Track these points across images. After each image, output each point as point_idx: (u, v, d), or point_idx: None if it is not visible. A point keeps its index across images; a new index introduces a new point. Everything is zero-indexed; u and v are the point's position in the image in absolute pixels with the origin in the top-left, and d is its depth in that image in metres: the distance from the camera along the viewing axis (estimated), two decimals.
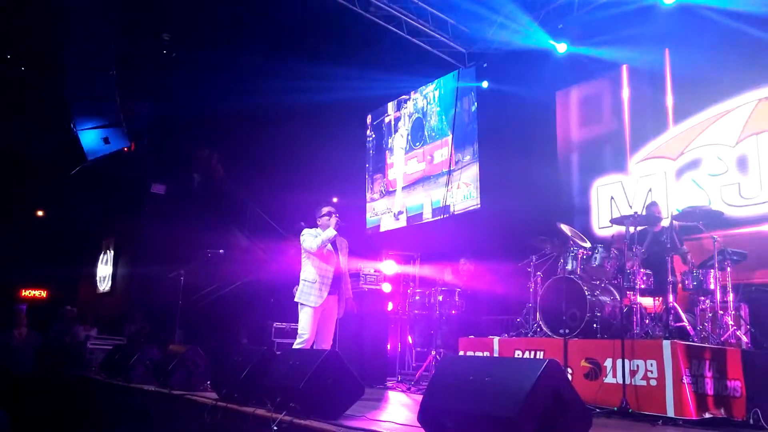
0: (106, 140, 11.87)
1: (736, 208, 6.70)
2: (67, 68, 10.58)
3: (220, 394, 4.56)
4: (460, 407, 2.71)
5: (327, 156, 12.06)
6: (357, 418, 3.67)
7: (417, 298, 7.86)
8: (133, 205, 14.01)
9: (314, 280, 5.42)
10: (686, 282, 5.38)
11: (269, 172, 13.19)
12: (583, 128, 8.78)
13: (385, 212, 11.96)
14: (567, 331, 5.14)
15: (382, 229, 11.88)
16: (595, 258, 5.66)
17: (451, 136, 10.58)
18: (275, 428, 3.48)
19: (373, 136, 12.61)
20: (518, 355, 5.54)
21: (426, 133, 11.24)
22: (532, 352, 5.45)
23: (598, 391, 4.68)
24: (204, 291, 11.61)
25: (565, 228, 6.19)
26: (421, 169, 11.22)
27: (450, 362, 3.25)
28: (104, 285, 15.56)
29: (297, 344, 5.33)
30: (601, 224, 8.03)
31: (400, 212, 11.52)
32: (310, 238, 5.45)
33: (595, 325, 5.23)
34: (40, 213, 16.71)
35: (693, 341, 4.89)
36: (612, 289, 5.58)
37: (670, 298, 5.19)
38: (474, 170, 10.02)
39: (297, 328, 5.44)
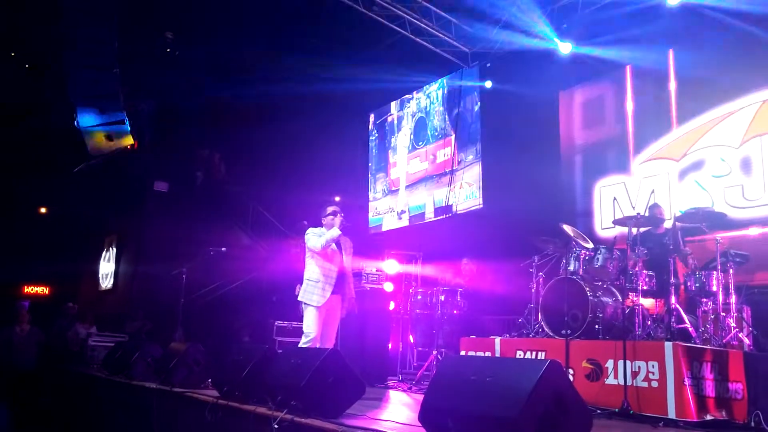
0: (109, 137, 11.91)
1: (739, 210, 6.68)
2: (71, 66, 10.61)
3: (221, 391, 4.56)
4: (461, 407, 2.71)
5: (329, 155, 12.07)
6: (358, 417, 3.67)
7: (419, 297, 7.87)
8: (135, 202, 14.04)
9: (318, 279, 5.42)
10: (688, 284, 5.37)
11: (272, 171, 13.22)
12: (586, 128, 8.76)
13: (387, 211, 11.95)
14: (569, 331, 5.12)
15: (384, 228, 11.88)
16: (598, 259, 5.64)
17: (453, 135, 10.57)
18: (276, 426, 3.48)
19: (376, 135, 12.61)
20: (520, 355, 5.52)
21: (429, 132, 11.23)
22: (534, 353, 5.44)
23: (599, 392, 4.67)
24: (206, 289, 11.64)
25: (567, 228, 6.17)
26: (424, 169, 11.21)
27: (451, 362, 3.25)
28: (106, 282, 15.57)
29: (303, 343, 5.34)
30: (604, 225, 8.02)
31: (403, 211, 11.52)
32: (315, 238, 5.45)
33: (596, 326, 5.22)
34: (43, 210, 16.76)
35: (695, 343, 4.87)
36: (614, 290, 5.56)
37: (672, 299, 5.17)
38: (476, 170, 10.01)
39: (298, 327, 5.45)
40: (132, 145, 13.13)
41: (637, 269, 5.26)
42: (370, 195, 12.44)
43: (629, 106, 8.11)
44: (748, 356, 4.82)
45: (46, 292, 16.90)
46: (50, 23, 10.53)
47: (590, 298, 5.29)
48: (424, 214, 11.01)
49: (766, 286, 5.97)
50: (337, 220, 5.48)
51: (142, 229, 13.77)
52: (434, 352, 7.18)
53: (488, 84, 10.12)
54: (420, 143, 11.42)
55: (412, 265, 9.76)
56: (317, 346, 5.27)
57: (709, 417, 4.30)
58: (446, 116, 10.88)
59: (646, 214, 5.73)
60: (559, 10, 8.86)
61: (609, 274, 5.62)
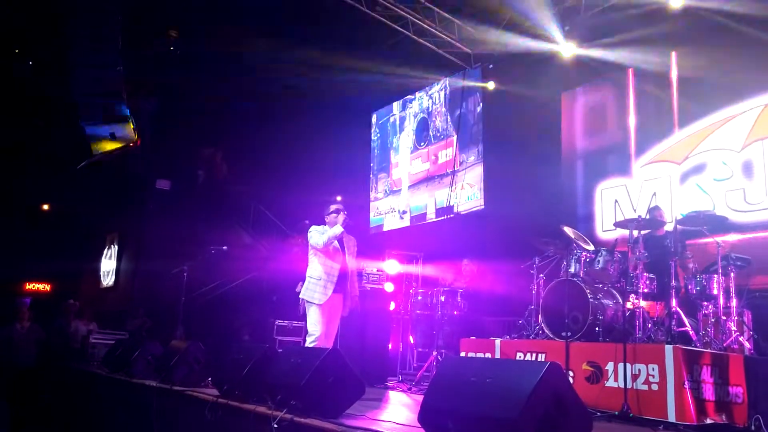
0: (112, 136, 11.93)
1: (740, 214, 6.68)
2: (74, 64, 10.63)
3: (221, 390, 4.57)
4: (460, 408, 2.72)
5: (331, 154, 12.07)
6: (357, 417, 3.67)
7: (419, 298, 7.87)
8: (137, 200, 14.07)
9: (320, 277, 5.42)
10: (689, 287, 5.37)
11: (273, 170, 13.23)
12: (588, 130, 8.76)
13: (389, 211, 11.96)
14: (569, 333, 5.13)
15: (385, 229, 11.88)
16: (598, 261, 5.64)
17: (455, 136, 10.57)
18: (276, 426, 3.48)
19: (378, 135, 12.61)
20: (520, 357, 5.53)
21: (431, 133, 11.24)
22: (534, 355, 5.44)
23: (599, 394, 4.67)
24: (207, 287, 11.65)
25: (568, 230, 6.17)
26: (425, 170, 11.21)
27: (451, 363, 3.25)
28: (108, 280, 15.61)
29: (309, 343, 5.35)
30: (605, 227, 8.01)
31: (405, 212, 11.52)
32: (317, 235, 5.46)
33: (597, 329, 5.22)
34: (45, 207, 16.80)
35: (695, 346, 4.87)
36: (615, 292, 5.56)
37: (673, 302, 5.16)
38: (478, 171, 10.02)
39: (298, 326, 5.46)
40: (134, 144, 13.15)
41: (637, 272, 5.26)
42: (372, 195, 12.45)
43: (631, 108, 8.11)
44: (749, 360, 4.82)
45: (48, 290, 16.95)
46: (54, 21, 10.54)
47: (591, 300, 5.29)
48: (425, 214, 11.01)
49: (766, 290, 5.96)
50: (340, 217, 5.49)
51: (143, 227, 13.81)
52: (434, 353, 7.18)
53: (491, 85, 10.12)
54: (422, 144, 11.42)
55: (412, 266, 9.77)
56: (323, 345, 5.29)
57: (709, 421, 4.30)
58: (448, 117, 10.88)
59: (647, 216, 5.72)
60: (562, 13, 8.85)
61: (610, 277, 5.62)
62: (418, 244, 10.25)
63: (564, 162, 8.89)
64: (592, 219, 8.27)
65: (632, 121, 8.07)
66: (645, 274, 5.31)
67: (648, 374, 4.46)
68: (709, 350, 4.79)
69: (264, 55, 10.90)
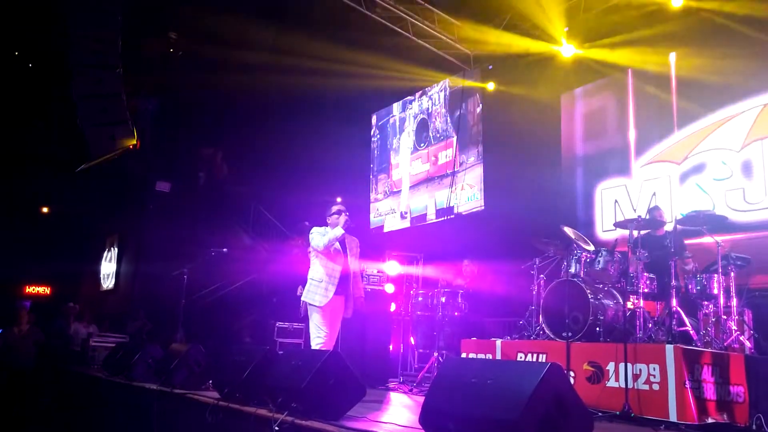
0: (112, 137, 11.89)
1: (740, 213, 6.68)
2: (74, 65, 10.61)
3: (221, 393, 4.56)
4: (461, 409, 2.71)
5: (331, 156, 12.07)
6: (358, 419, 3.66)
7: (420, 299, 7.87)
8: (137, 202, 14.05)
9: (321, 279, 5.41)
10: (690, 286, 5.37)
11: (273, 171, 13.22)
12: (588, 131, 8.76)
13: (389, 212, 11.96)
14: (570, 334, 5.13)
15: (386, 230, 11.88)
16: (599, 261, 5.64)
17: (455, 137, 10.58)
18: (276, 428, 3.48)
19: (378, 136, 12.62)
20: (520, 357, 5.53)
21: (431, 134, 11.24)
22: (535, 355, 5.44)
23: (600, 394, 4.67)
24: (207, 289, 11.64)
25: (568, 231, 6.17)
26: (425, 170, 11.22)
27: (452, 364, 3.25)
28: (108, 282, 15.60)
29: (316, 345, 5.34)
30: (605, 227, 8.01)
31: (405, 213, 11.52)
32: (318, 236, 5.44)
33: (597, 329, 5.22)
34: (45, 210, 16.79)
35: (696, 346, 4.87)
36: (615, 292, 5.57)
37: (673, 302, 5.17)
38: (478, 172, 10.02)
39: (299, 328, 5.46)
40: (134, 145, 13.13)
41: (638, 272, 5.26)
42: (372, 196, 12.45)
43: (631, 108, 8.11)
44: (750, 359, 4.82)
45: (48, 292, 16.93)
46: (54, 22, 10.54)
47: (591, 300, 5.29)
48: (425, 215, 11.01)
49: (766, 289, 5.96)
50: (342, 219, 5.47)
51: (143, 229, 13.80)
52: (435, 354, 7.18)
53: (490, 86, 10.13)
54: (422, 145, 11.42)
55: (413, 267, 9.76)
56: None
57: (710, 420, 4.30)
58: (448, 118, 10.88)
59: (647, 216, 5.72)
60: (562, 14, 8.85)
61: (610, 277, 5.63)
62: (419, 245, 10.24)
63: (564, 162, 8.89)
64: (592, 219, 8.27)
65: (632, 121, 8.07)
66: (645, 274, 5.32)
67: (649, 374, 4.46)
68: (709, 350, 4.79)
69: (264, 56, 10.90)
